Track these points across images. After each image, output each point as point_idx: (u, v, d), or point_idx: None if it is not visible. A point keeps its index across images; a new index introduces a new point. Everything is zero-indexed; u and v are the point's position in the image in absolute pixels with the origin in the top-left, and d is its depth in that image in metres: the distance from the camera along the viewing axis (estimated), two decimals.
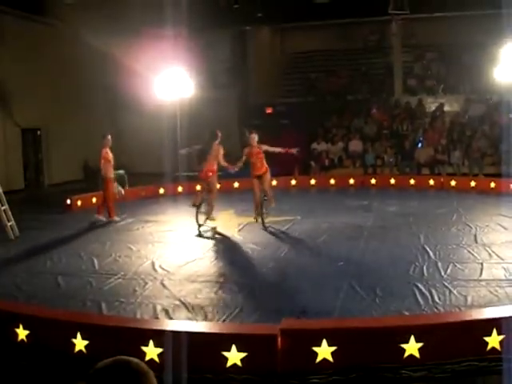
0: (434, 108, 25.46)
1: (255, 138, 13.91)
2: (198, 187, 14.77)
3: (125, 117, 25.34)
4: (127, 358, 2.24)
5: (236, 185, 20.12)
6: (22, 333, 6.67)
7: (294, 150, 14.81)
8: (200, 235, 12.87)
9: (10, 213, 13.33)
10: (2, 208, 13.21)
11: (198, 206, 13.42)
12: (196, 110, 21.88)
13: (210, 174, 13.55)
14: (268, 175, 13.96)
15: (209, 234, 12.93)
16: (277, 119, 26.48)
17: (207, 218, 13.34)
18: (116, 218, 14.90)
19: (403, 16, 23.23)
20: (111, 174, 14.92)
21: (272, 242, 11.43)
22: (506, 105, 19.88)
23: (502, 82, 19.29)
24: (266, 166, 13.94)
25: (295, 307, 7.72)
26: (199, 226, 13.16)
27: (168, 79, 19.42)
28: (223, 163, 13.56)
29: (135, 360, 2.24)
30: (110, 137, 14.96)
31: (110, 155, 14.85)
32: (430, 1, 21.43)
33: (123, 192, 15.80)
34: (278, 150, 14.28)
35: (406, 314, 7.30)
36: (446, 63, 27.02)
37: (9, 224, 13.22)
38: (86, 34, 21.55)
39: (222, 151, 13.47)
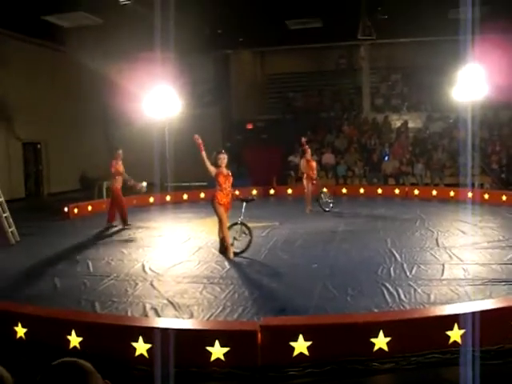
0: (398, 124, 25.63)
1: (225, 159, 10.84)
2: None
3: (118, 132, 25.19)
4: (73, 359, 2.18)
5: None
6: (20, 331, 6.54)
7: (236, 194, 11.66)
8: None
9: (11, 220, 13.17)
10: (4, 215, 13.05)
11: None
12: (182, 126, 21.77)
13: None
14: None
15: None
16: (257, 134, 26.53)
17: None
18: (129, 223, 14.78)
19: (370, 41, 23.37)
20: (120, 184, 14.76)
21: (252, 246, 11.35)
22: (463, 122, 19.99)
23: (459, 101, 19.46)
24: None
25: (274, 306, 7.65)
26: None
27: (157, 98, 19.33)
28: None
29: (81, 361, 2.18)
30: (121, 151, 14.79)
31: (122, 168, 14.69)
32: (394, 27, 21.54)
33: (145, 187, 15.57)
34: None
35: (375, 310, 7.26)
36: (409, 84, 27.22)
37: (10, 230, 13.06)
38: (84, 57, 21.45)
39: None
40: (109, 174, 14.90)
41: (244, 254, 10.88)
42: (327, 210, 16.73)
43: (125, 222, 14.71)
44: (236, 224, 11.13)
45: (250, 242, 10.95)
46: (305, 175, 16.90)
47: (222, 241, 10.92)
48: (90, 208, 18.20)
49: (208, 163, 10.53)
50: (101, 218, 16.04)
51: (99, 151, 24.91)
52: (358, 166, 23.28)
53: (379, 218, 15.20)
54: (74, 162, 24.49)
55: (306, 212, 16.59)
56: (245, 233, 11.08)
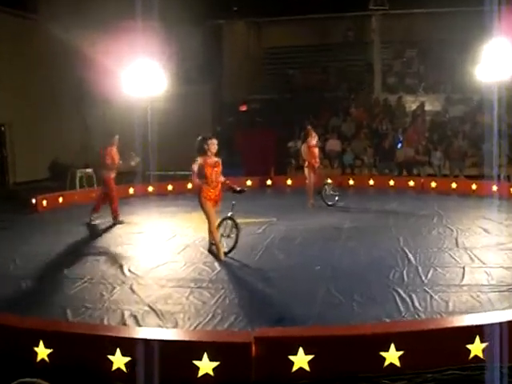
0: (414, 107, 25.59)
1: (215, 144, 10.69)
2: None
3: (94, 113, 25.09)
4: (33, 380, 2.17)
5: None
6: None
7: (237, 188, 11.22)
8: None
9: None
10: None
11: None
12: (167, 106, 21.74)
13: None
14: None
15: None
16: (251, 117, 26.50)
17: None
18: (121, 219, 14.70)
19: (383, 12, 23.34)
20: (114, 174, 14.68)
21: (245, 245, 11.32)
22: (488, 104, 19.97)
23: (483, 81, 19.36)
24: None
25: (270, 314, 7.64)
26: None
27: (139, 74, 19.25)
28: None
29: (42, 382, 2.17)
30: (117, 137, 14.71)
31: (118, 157, 14.60)
32: None
33: (137, 160, 15.51)
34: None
35: (386, 320, 7.26)
36: (426, 61, 27.19)
37: None
38: (57, 26, 21.33)
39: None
40: (101, 164, 14.66)
41: (236, 255, 10.85)
42: (331, 203, 16.71)
43: (116, 217, 14.63)
44: (225, 219, 11.09)
45: (236, 239, 10.89)
46: (306, 163, 16.82)
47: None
48: (61, 200, 18.14)
49: (195, 172, 10.53)
50: (74, 210, 16.03)
51: (73, 134, 24.82)
52: (367, 153, 23.25)
53: (391, 214, 15.19)
54: (44, 147, 24.37)
55: (308, 206, 16.57)
56: (235, 228, 11.04)
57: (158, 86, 19.76)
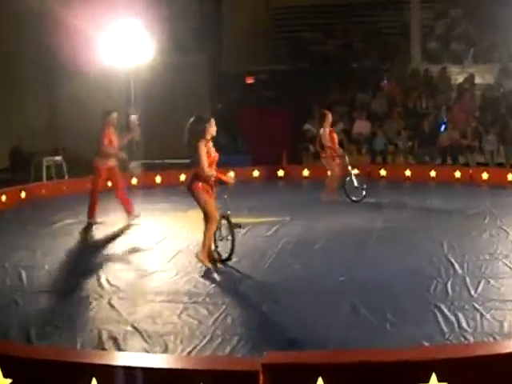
0: (461, 80, 25.52)
1: (213, 127, 10.65)
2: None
3: (65, 88, 25.08)
4: None
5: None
6: None
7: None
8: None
9: None
10: None
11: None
12: (155, 79, 21.73)
13: None
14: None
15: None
16: (259, 91, 26.50)
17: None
18: (97, 220, 14.73)
19: None
20: (112, 162, 14.65)
21: (252, 251, 11.34)
22: None
23: None
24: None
25: (282, 335, 7.64)
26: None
27: (119, 40, 19.25)
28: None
29: None
30: (116, 115, 14.66)
31: (116, 140, 14.59)
32: None
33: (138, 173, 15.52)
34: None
35: (426, 344, 7.23)
36: (475, 22, 27.06)
37: None
38: None
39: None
40: (97, 149, 14.57)
41: (240, 263, 10.85)
42: (357, 199, 16.72)
43: (92, 217, 14.72)
44: (221, 219, 11.05)
45: (233, 242, 10.89)
46: (324, 153, 16.82)
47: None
48: (23, 194, 18.18)
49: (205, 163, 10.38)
50: (40, 208, 16.05)
51: (38, 114, 24.85)
52: (402, 137, 23.23)
53: (432, 212, 15.19)
54: (2, 130, 24.42)
55: (324, 201, 16.58)
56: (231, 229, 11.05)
57: (143, 54, 19.78)
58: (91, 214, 14.71)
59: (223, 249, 11.01)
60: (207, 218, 10.60)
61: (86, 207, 14.75)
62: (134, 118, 14.91)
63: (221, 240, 11.05)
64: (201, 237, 11.16)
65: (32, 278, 10.34)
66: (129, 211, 14.70)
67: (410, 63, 26.74)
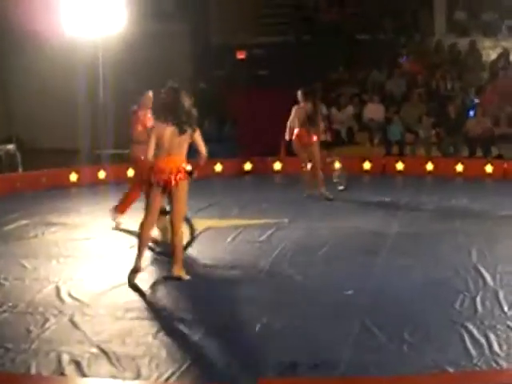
0: (494, 56, 25.51)
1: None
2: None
3: (17, 63, 25.05)
4: None
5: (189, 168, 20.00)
6: None
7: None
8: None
9: None
10: None
11: None
12: (128, 52, 21.70)
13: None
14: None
15: None
16: (252, 68, 26.53)
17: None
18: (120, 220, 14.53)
19: None
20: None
21: (244, 258, 11.34)
22: None
23: None
24: None
25: (279, 358, 7.60)
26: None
27: (84, 5, 19.24)
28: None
29: None
30: (151, 94, 14.49)
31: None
32: None
33: None
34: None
35: (450, 370, 7.24)
36: None
37: None
38: None
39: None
40: (130, 137, 14.42)
41: (230, 272, 10.88)
42: (330, 197, 17.18)
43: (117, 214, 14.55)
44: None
45: (187, 245, 11.00)
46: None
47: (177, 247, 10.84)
48: None
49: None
50: None
51: None
52: (423, 124, 23.22)
53: (458, 214, 15.22)
54: None
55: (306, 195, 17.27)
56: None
57: (113, 22, 19.74)
58: (121, 209, 14.48)
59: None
60: (179, 208, 10.66)
61: (44, 205, 14.69)
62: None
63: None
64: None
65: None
66: (121, 209, 14.54)
67: (432, 36, 26.73)
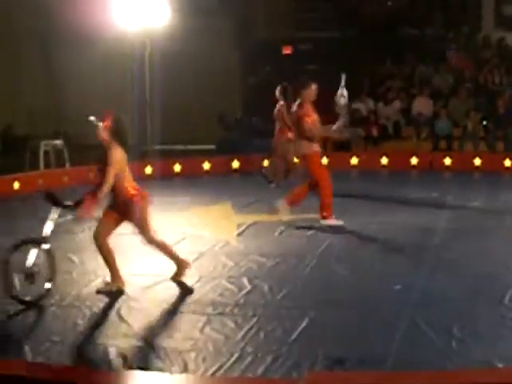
0: None
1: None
2: None
3: (65, 57, 25.13)
4: None
5: (236, 164, 20.09)
6: None
7: None
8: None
9: None
10: None
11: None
12: (174, 49, 21.72)
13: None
14: None
15: None
16: (299, 64, 26.38)
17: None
18: (336, 222, 14.06)
19: None
20: (316, 147, 14.11)
21: (290, 253, 11.31)
22: None
23: None
24: None
25: (326, 353, 7.57)
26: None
27: (132, 2, 19.34)
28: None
29: None
30: (315, 87, 14.24)
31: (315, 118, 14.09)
32: None
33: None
34: None
35: (499, 365, 7.17)
36: None
37: None
38: None
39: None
40: (298, 133, 14.24)
41: (276, 267, 10.87)
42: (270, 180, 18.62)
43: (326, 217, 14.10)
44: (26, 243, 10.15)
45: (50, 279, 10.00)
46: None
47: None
48: (17, 185, 18.26)
49: None
50: (36, 200, 16.06)
51: (34, 89, 24.91)
52: (471, 119, 23.05)
53: (506, 210, 15.10)
54: None
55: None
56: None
57: (157, 17, 19.81)
58: (327, 211, 14.03)
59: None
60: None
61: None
62: None
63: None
64: (223, 236, 11.17)
65: (25, 284, 10.34)
66: (291, 200, 14.29)
67: (480, 30, 26.55)
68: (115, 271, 10.17)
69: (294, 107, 14.18)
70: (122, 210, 10.16)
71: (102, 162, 9.92)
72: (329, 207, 13.89)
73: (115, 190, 9.94)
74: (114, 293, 9.85)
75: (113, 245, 12.65)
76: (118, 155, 9.82)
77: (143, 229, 10.29)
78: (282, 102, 18.39)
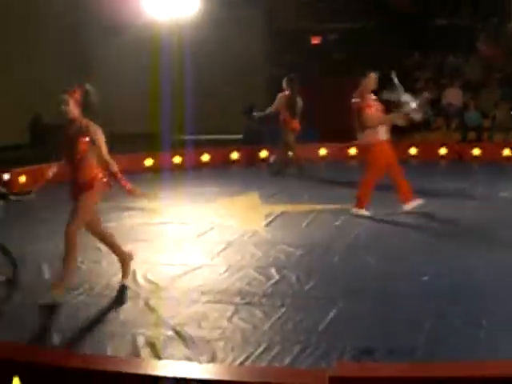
0: None
1: None
2: None
3: (97, 47, 25.16)
4: None
5: (264, 154, 20.12)
6: None
7: None
8: None
9: None
10: None
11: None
12: (202, 37, 21.73)
13: None
14: None
15: None
16: (327, 54, 26.35)
17: None
18: (365, 212, 13.98)
19: None
20: (381, 136, 13.74)
21: (318, 243, 11.30)
22: None
23: None
24: None
25: (355, 343, 7.58)
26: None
27: None
28: None
29: None
30: (375, 76, 14.21)
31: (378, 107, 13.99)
32: None
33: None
34: None
35: None
36: None
37: None
38: None
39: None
40: (360, 124, 14.04)
41: (304, 257, 10.88)
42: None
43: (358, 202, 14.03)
44: None
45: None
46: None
47: None
48: (50, 174, 18.24)
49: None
50: (66, 191, 16.12)
51: (64, 79, 24.94)
52: (501, 110, 22.94)
53: None
54: (20, 98, 24.52)
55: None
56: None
57: (187, 8, 19.85)
58: (362, 203, 14.00)
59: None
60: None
61: (120, 191, 14.68)
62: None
63: None
64: (251, 227, 11.16)
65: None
66: (406, 197, 13.95)
67: (510, 21, 26.43)
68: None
69: (353, 98, 13.84)
70: (75, 190, 10.08)
71: (67, 146, 9.83)
72: (365, 200, 13.88)
73: (81, 168, 9.92)
74: (114, 289, 9.84)
75: (145, 234, 12.76)
76: (97, 128, 9.72)
77: (75, 217, 9.99)
78: (286, 92, 19.12)
